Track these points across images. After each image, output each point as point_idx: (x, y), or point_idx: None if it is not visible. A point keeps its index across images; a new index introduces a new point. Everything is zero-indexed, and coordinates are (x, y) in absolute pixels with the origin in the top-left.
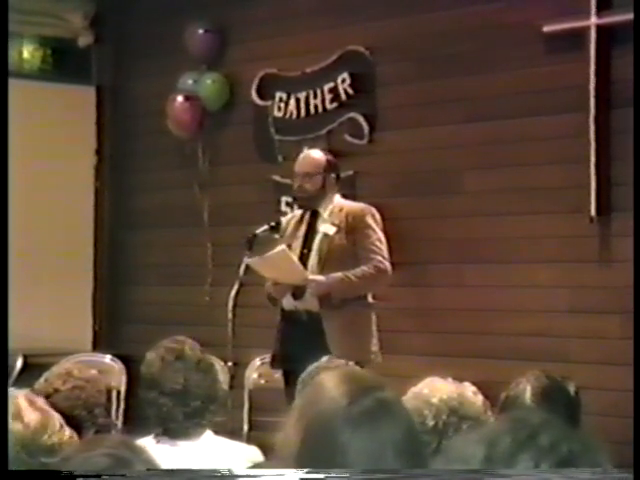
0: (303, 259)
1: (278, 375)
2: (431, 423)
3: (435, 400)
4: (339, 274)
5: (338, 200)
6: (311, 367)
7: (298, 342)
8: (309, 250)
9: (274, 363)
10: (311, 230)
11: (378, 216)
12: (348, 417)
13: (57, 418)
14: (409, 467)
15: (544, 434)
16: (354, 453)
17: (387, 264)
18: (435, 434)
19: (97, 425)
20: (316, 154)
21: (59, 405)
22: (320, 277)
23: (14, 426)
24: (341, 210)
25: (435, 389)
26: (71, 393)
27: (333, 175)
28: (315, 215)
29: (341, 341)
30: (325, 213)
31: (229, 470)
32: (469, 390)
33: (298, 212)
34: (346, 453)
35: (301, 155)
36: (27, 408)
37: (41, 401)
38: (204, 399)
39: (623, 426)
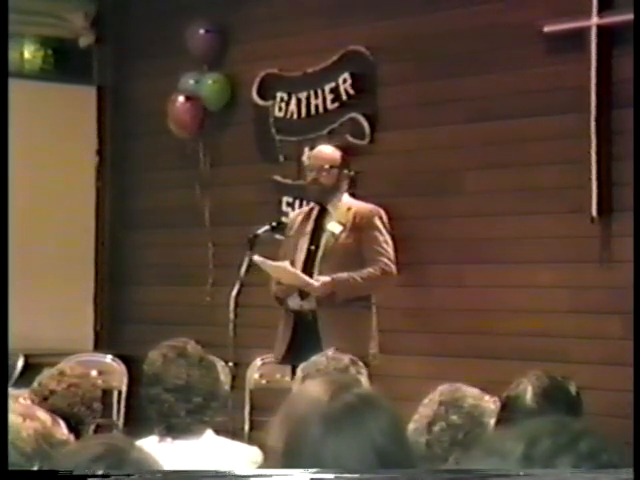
0: (310, 256)
1: (279, 375)
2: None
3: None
4: (345, 274)
5: (347, 199)
6: (314, 357)
7: (305, 341)
8: (316, 247)
9: (283, 360)
10: (318, 227)
11: (386, 218)
12: (329, 413)
13: (24, 429)
14: (395, 461)
15: (585, 440)
16: (338, 449)
17: (392, 267)
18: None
19: (97, 420)
20: (331, 149)
21: (58, 405)
22: (326, 278)
23: None
24: (349, 209)
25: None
26: (67, 392)
27: (345, 171)
28: (322, 212)
29: (335, 341)
30: (333, 211)
31: (235, 471)
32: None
33: (305, 209)
34: (330, 449)
35: (315, 149)
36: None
37: (36, 410)
38: (206, 395)
39: (623, 426)
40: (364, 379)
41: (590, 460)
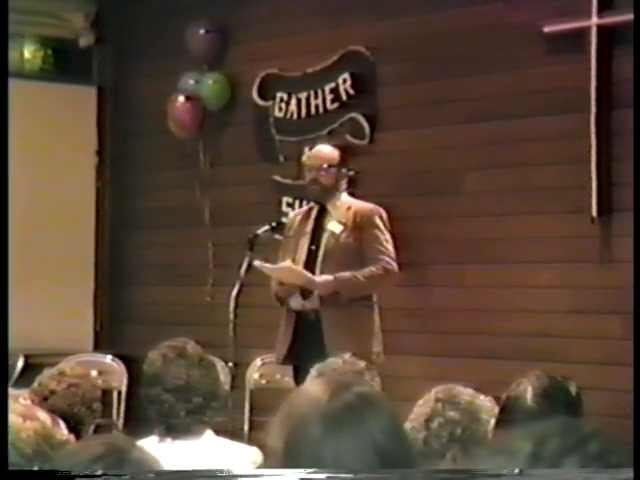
0: (311, 256)
1: (279, 375)
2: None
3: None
4: (347, 273)
5: (346, 198)
6: (330, 359)
7: (307, 340)
8: (317, 247)
9: (285, 360)
10: (318, 227)
11: (386, 217)
12: (329, 413)
13: (24, 430)
14: (395, 460)
15: (594, 441)
16: (338, 448)
17: (394, 265)
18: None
19: (97, 420)
20: (329, 148)
21: (57, 405)
22: (329, 277)
23: None
24: (349, 209)
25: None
26: (67, 392)
27: (344, 170)
28: (322, 212)
29: (338, 340)
30: (333, 210)
31: (235, 471)
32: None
33: (304, 208)
34: (330, 449)
35: (313, 149)
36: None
37: (36, 410)
38: (206, 395)
39: (623, 426)
40: (377, 385)
41: (598, 461)
